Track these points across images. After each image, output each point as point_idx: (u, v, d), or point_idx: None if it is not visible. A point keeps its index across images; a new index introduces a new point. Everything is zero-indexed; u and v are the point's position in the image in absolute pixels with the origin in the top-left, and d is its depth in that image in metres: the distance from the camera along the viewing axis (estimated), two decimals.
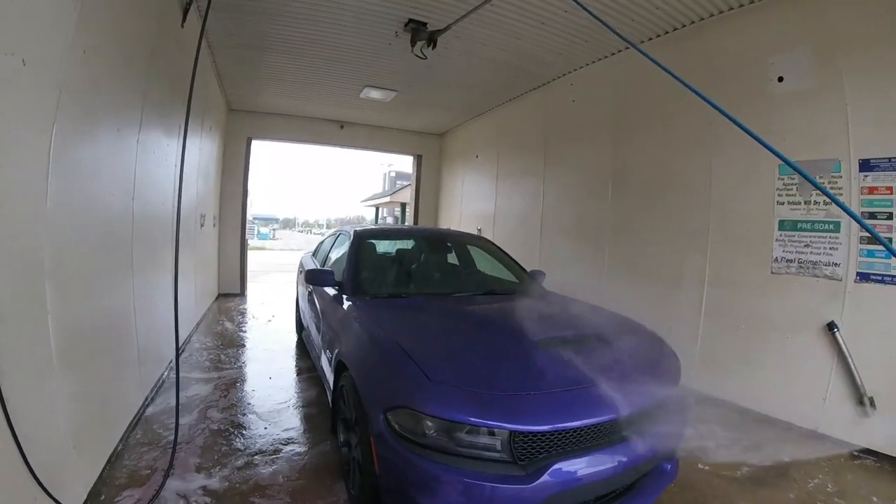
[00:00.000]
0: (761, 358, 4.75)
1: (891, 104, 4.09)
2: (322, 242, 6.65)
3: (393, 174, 46.58)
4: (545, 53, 6.78)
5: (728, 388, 4.98)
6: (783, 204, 4.82)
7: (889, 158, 4.12)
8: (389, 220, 36.62)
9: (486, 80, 8.01)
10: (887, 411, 3.96)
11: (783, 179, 4.81)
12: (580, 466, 2.31)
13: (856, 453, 4.02)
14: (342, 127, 11.53)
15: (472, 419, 2.25)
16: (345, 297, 4.01)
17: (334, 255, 5.49)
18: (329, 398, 3.80)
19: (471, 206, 10.99)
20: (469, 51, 6.74)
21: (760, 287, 4.91)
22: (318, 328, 4.55)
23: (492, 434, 2.26)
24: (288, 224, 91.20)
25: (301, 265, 6.91)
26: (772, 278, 4.84)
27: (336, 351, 3.46)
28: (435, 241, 5.52)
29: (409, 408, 2.34)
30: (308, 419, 4.33)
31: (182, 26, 5.00)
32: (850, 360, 4.18)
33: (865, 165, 4.26)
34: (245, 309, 9.05)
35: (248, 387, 5.07)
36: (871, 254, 4.22)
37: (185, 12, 5.01)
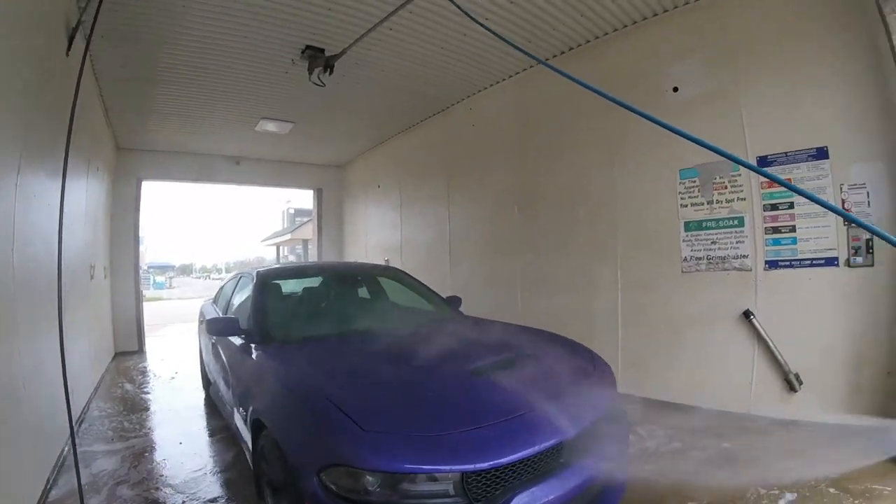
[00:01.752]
0: (684, 353, 4.84)
1: (779, 105, 4.41)
2: (222, 288, 6.02)
3: (292, 211, 45.14)
4: (445, 78, 6.72)
5: (655, 387, 5.06)
6: (686, 206, 5.02)
7: (785, 153, 4.41)
8: (292, 259, 35.19)
9: (386, 107, 7.84)
10: (813, 384, 4.17)
11: (684, 183, 5.02)
12: (540, 495, 2.17)
13: (789, 427, 4.15)
14: (238, 163, 10.79)
15: (416, 467, 2.05)
16: (253, 345, 3.58)
17: (237, 301, 4.98)
18: (249, 460, 3.30)
19: (376, 237, 10.64)
20: (368, 77, 6.56)
21: (673, 287, 5.07)
22: (226, 382, 4.02)
23: (441, 479, 2.07)
24: (185, 270, 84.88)
25: (202, 314, 6.19)
26: (684, 277, 5.01)
27: (251, 408, 3.03)
28: (344, 276, 5.17)
29: (344, 465, 2.08)
30: (229, 485, 3.74)
31: (67, 54, 4.39)
32: (770, 342, 4.36)
33: (763, 162, 4.52)
34: (145, 367, 8.04)
35: (158, 455, 4.37)
36: (776, 242, 4.46)
37: (71, 39, 4.27)
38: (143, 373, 7.67)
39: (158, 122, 8.14)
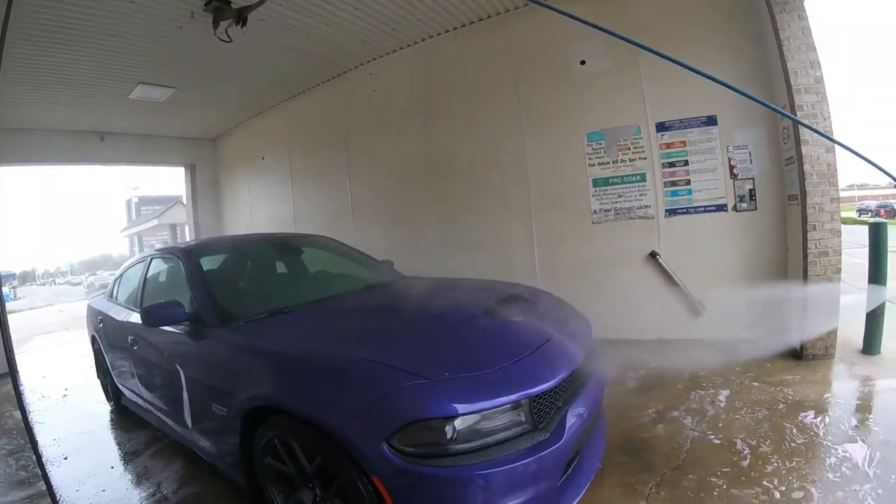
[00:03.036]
0: (602, 294, 5.32)
1: (675, 79, 5.09)
2: (122, 277, 5.06)
3: (136, 200, 38.57)
4: (351, 42, 6.55)
5: None
6: (594, 165, 5.65)
7: (680, 119, 5.21)
8: (158, 247, 31.13)
9: (281, 70, 7.33)
10: (714, 307, 5.05)
11: (591, 145, 5.64)
12: (580, 409, 2.37)
13: (698, 347, 4.99)
14: (103, 139, 9.25)
15: (491, 402, 2.06)
16: (210, 329, 3.09)
17: (152, 288, 4.27)
18: (226, 464, 2.96)
19: (263, 213, 9.83)
20: (271, 37, 6.11)
21: (586, 237, 5.69)
22: (166, 383, 3.49)
23: (514, 409, 2.12)
24: (27, 278, 71.04)
25: (94, 315, 5.18)
26: (595, 227, 5.65)
27: (241, 398, 2.58)
28: (282, 246, 4.68)
29: (420, 420, 1.98)
30: (204, 501, 3.27)
31: None
32: (675, 277, 5.18)
33: (661, 127, 5.30)
34: (26, 388, 6.68)
35: (92, 486, 3.58)
36: (675, 193, 5.28)
37: None
38: (28, 395, 6.34)
39: (13, 91, 6.79)
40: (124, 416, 4.84)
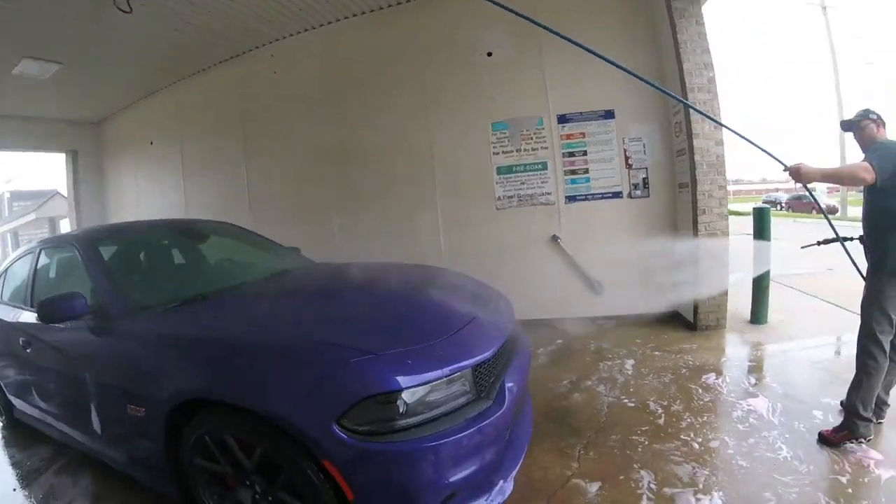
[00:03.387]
0: (508, 276, 5.37)
1: (576, 74, 5.46)
2: (3, 276, 4.36)
3: (8, 195, 33.65)
4: (254, 20, 6.26)
5: None
6: (498, 154, 5.83)
7: (580, 112, 5.55)
8: (34, 243, 27.28)
9: (178, 47, 6.83)
10: (611, 287, 5.39)
11: (496, 135, 5.82)
12: (514, 377, 2.42)
13: (598, 321, 5.33)
14: None
15: (440, 371, 2.05)
16: (117, 321, 2.77)
17: (43, 282, 3.81)
18: (146, 472, 2.70)
19: (153, 203, 8.93)
20: (172, 11, 5.71)
21: (490, 222, 5.86)
22: (66, 389, 3.17)
23: (459, 379, 2.12)
24: None
25: None
26: (498, 213, 5.83)
27: (165, 394, 2.31)
28: (183, 232, 4.34)
29: (372, 395, 1.92)
30: None
31: None
32: (575, 259, 5.45)
33: (562, 119, 5.58)
34: None
35: None
36: (574, 182, 5.58)
37: None
38: None
39: None
40: (18, 432, 4.18)
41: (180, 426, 2.33)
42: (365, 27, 6.39)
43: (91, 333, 2.83)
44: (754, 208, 5.08)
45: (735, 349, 4.42)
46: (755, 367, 4.00)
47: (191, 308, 2.87)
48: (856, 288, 2.80)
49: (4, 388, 4.12)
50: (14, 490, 3.39)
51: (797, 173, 2.65)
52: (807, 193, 3.08)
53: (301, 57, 6.91)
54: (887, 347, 2.68)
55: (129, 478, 2.90)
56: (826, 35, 22.47)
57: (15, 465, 3.76)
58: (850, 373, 2.83)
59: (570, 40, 2.01)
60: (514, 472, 2.28)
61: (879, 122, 2.73)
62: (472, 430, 2.01)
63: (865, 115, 2.76)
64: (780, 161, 2.73)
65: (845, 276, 3.41)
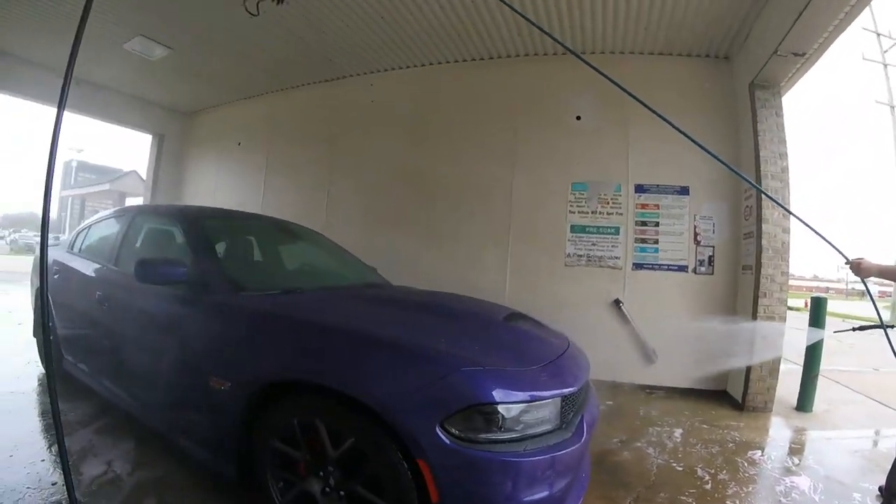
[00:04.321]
0: (565, 330, 5.87)
1: (657, 149, 5.86)
2: (86, 231, 4.59)
3: (74, 164, 34.98)
4: (363, 48, 6.77)
5: None
6: (574, 212, 6.17)
7: (657, 185, 5.89)
8: (127, 208, 28.15)
9: (281, 57, 7.28)
10: (665, 357, 5.63)
11: (574, 194, 6.18)
12: (590, 414, 2.53)
13: (649, 391, 5.55)
14: (78, 84, 8.34)
15: (539, 393, 2.15)
16: (215, 296, 2.85)
17: (129, 248, 3.83)
18: (203, 446, 2.73)
19: (230, 197, 9.13)
20: (287, 23, 6.14)
21: (557, 276, 6.16)
22: (137, 349, 3.23)
23: (549, 405, 2.19)
24: None
25: (50, 267, 4.50)
26: (566, 269, 6.15)
27: (261, 370, 2.40)
28: (283, 228, 4.56)
29: (477, 404, 2.00)
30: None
31: None
32: (634, 325, 5.72)
33: (640, 188, 5.94)
34: None
35: (28, 453, 3.09)
36: (643, 250, 5.89)
37: None
38: None
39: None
40: (64, 383, 4.11)
41: (260, 406, 2.40)
42: (465, 71, 6.92)
43: (184, 303, 2.90)
44: (813, 297, 5.33)
45: (780, 431, 4.67)
46: (798, 449, 4.26)
47: (292, 297, 3.01)
48: None
49: (61, 338, 4.20)
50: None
51: (857, 267, 2.86)
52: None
53: (399, 89, 7.42)
54: None
55: (174, 449, 2.97)
56: (894, 133, 22.36)
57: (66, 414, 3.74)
58: (888, 462, 3.06)
59: (656, 113, 2.27)
60: None
61: None
62: (552, 455, 2.07)
63: None
64: (842, 254, 2.84)
65: (890, 374, 3.60)
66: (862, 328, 3.27)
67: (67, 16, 6.20)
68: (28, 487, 2.69)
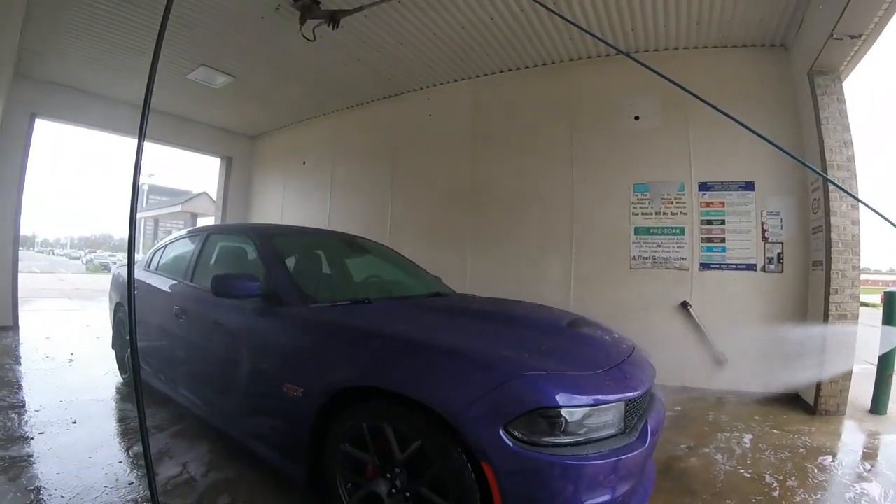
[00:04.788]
0: (632, 334, 5.77)
1: (719, 145, 5.74)
2: (167, 248, 4.94)
3: (146, 187, 37.88)
4: (417, 64, 6.97)
5: None
6: (637, 214, 6.11)
7: (721, 182, 5.75)
8: (201, 228, 30.08)
9: (341, 79, 7.63)
10: (735, 361, 5.50)
11: (637, 196, 6.12)
12: (655, 421, 2.53)
13: (718, 396, 5.40)
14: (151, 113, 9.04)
15: (602, 398, 2.19)
16: (287, 308, 3.04)
17: (202, 264, 4.14)
18: (275, 450, 2.88)
19: (296, 214, 9.89)
20: (345, 46, 6.42)
21: (622, 280, 6.11)
22: (213, 359, 3.46)
23: (613, 409, 2.23)
24: (25, 242, 67.37)
25: (126, 283, 4.44)
26: (631, 272, 6.09)
27: (334, 377, 2.53)
28: (348, 243, 4.74)
29: (540, 408, 2.05)
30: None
31: None
32: (702, 327, 5.61)
33: (703, 186, 5.81)
34: (27, 345, 6.76)
35: (106, 455, 3.36)
36: (709, 249, 5.77)
37: None
38: (31, 353, 6.38)
39: (71, 41, 6.61)
40: (130, 390, 4.65)
41: (331, 411, 2.52)
42: (519, 80, 7.01)
43: (258, 315, 3.11)
44: (886, 292, 5.05)
45: (852, 435, 4.49)
46: (871, 455, 4.07)
47: (360, 307, 3.17)
48: None
49: (137, 351, 4.42)
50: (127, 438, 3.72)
51: None
52: None
53: (455, 101, 7.58)
54: None
55: (245, 452, 3.14)
56: None
57: (132, 417, 4.13)
58: None
59: (715, 108, 2.25)
60: None
61: None
62: (614, 459, 2.10)
63: None
64: None
65: None
66: None
67: (130, 49, 6.71)
68: (106, 486, 2.90)
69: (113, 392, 4.82)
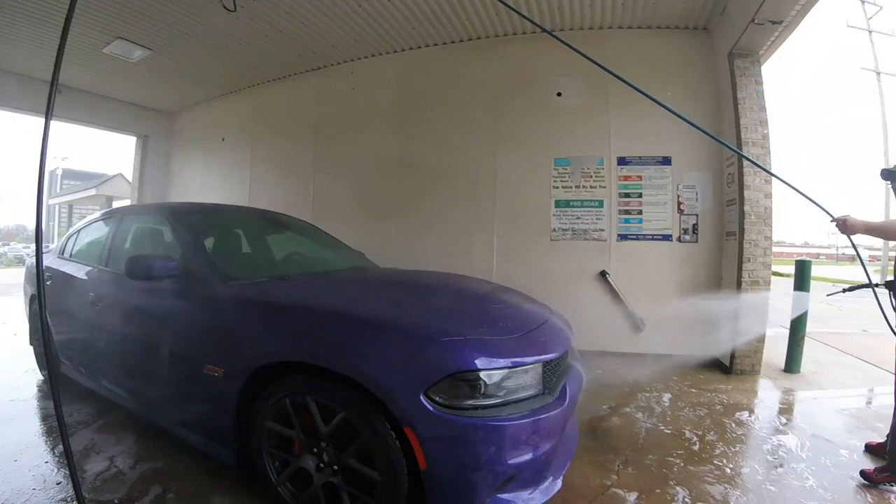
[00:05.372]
0: (554, 305, 5.89)
1: (638, 121, 5.95)
2: (80, 232, 4.60)
3: (60, 172, 35.41)
4: (343, 37, 6.84)
5: None
6: (558, 188, 6.26)
7: (639, 157, 5.98)
8: (113, 210, 28.24)
9: (261, 51, 7.36)
10: (653, 326, 5.74)
11: (558, 169, 6.26)
12: (573, 383, 2.56)
13: (637, 359, 5.61)
14: (60, 91, 7.83)
15: (521, 360, 2.24)
16: (205, 287, 2.91)
17: (119, 246, 3.87)
18: (201, 435, 2.82)
19: (217, 194, 9.21)
20: (267, 17, 6.24)
21: (543, 252, 6.25)
22: (132, 346, 3.26)
23: (531, 370, 2.29)
24: None
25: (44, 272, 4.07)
26: (552, 244, 6.24)
27: (254, 354, 2.47)
28: (267, 219, 4.58)
29: (459, 372, 2.09)
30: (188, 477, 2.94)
31: None
32: (621, 295, 5.82)
33: (622, 161, 6.03)
34: None
35: (33, 456, 3.18)
36: (627, 221, 5.99)
37: None
38: None
39: None
40: (63, 387, 4.12)
41: (253, 390, 2.50)
42: (443, 56, 6.98)
43: (176, 296, 2.99)
44: (797, 261, 5.38)
45: (767, 392, 4.77)
46: (786, 410, 4.34)
47: (280, 284, 3.11)
48: (889, 347, 3.03)
49: (57, 343, 4.23)
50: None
51: (843, 225, 2.91)
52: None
53: (379, 76, 7.46)
54: None
55: (174, 440, 3.08)
56: (879, 98, 22.36)
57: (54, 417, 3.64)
58: (875, 420, 3.11)
59: (636, 88, 2.33)
60: (563, 472, 2.42)
61: None
62: (535, 419, 2.16)
63: None
64: (827, 212, 2.91)
65: (880, 336, 3.65)
66: (851, 289, 3.31)
67: (40, 20, 6.26)
68: (34, 488, 2.77)
69: (34, 390, 4.55)
